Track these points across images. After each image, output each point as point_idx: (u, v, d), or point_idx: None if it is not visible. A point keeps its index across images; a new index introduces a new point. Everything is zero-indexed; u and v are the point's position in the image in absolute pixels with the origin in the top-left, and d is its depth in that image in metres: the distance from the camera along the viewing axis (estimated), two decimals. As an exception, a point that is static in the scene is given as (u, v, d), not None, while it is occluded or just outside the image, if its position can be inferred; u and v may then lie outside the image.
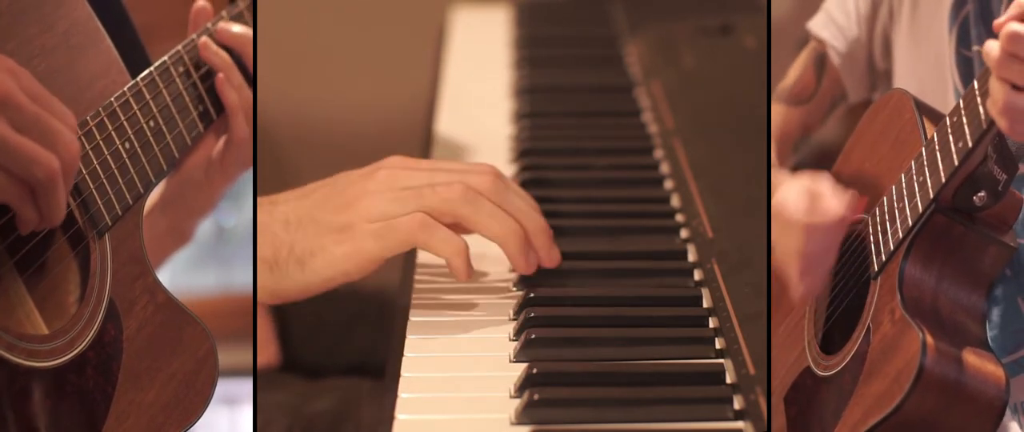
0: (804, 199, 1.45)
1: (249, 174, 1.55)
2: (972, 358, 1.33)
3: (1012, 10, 1.26)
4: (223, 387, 1.32)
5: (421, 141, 1.85)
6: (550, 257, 1.40)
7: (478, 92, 2.00)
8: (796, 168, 1.74)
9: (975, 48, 1.49)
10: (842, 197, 1.45)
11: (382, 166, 1.41)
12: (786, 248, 1.46)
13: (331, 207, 1.38)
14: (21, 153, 1.14)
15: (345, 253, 1.36)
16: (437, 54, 2.17)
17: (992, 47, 1.26)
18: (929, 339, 1.32)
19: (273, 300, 1.41)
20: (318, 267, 1.37)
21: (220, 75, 1.40)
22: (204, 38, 1.41)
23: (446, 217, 1.37)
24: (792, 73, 1.73)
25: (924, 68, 1.56)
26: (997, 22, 1.26)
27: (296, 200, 1.40)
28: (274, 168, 2.94)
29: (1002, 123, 1.28)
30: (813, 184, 1.47)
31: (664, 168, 1.68)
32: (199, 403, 1.30)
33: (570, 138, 1.78)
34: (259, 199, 1.41)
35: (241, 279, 3.16)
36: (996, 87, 1.27)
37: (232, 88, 1.41)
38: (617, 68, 2.03)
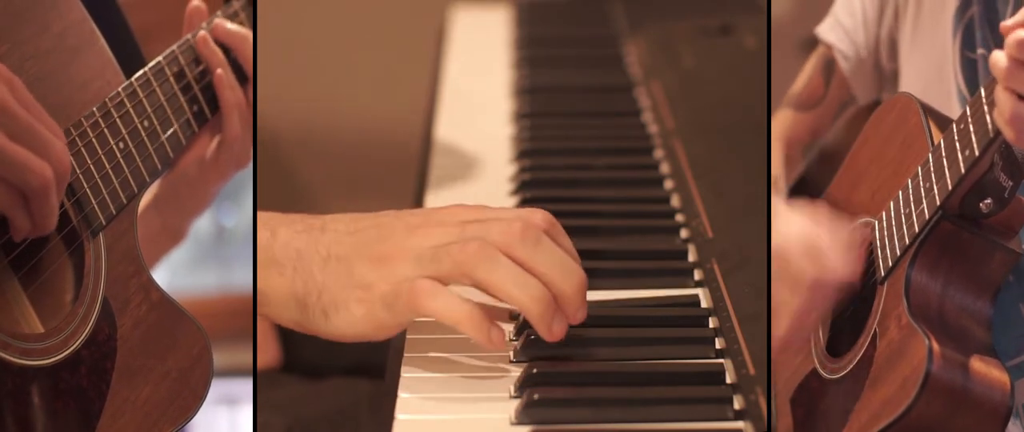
0: (806, 255, 1.44)
1: (249, 174, 1.55)
2: (978, 364, 1.33)
3: (1020, 16, 1.25)
4: (223, 387, 1.32)
5: (421, 141, 1.85)
6: (575, 317, 1.25)
7: (478, 92, 2.00)
8: (802, 174, 1.74)
9: (979, 51, 1.49)
10: (844, 257, 1.43)
11: (433, 216, 1.29)
12: (781, 296, 1.44)
13: (368, 255, 1.26)
14: (16, 162, 1.15)
15: (363, 316, 1.26)
16: (437, 54, 2.17)
17: (999, 57, 1.25)
18: (935, 345, 1.32)
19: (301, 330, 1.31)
20: (341, 324, 1.26)
21: (218, 71, 1.40)
22: (203, 33, 1.41)
23: (463, 281, 1.24)
24: (800, 79, 1.73)
25: (927, 70, 1.56)
26: (1004, 24, 1.26)
27: (344, 233, 1.28)
28: (274, 167, 2.94)
29: (1009, 133, 1.27)
30: (816, 236, 1.45)
31: (664, 168, 1.68)
32: (194, 401, 1.30)
33: (570, 138, 1.78)
34: (307, 219, 1.31)
35: (241, 279, 3.16)
36: (1003, 97, 1.26)
37: (227, 86, 1.41)
38: (617, 68, 2.03)
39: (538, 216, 1.27)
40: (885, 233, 1.43)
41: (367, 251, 1.26)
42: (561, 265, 1.24)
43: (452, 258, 1.23)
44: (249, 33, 1.45)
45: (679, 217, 1.55)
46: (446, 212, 1.29)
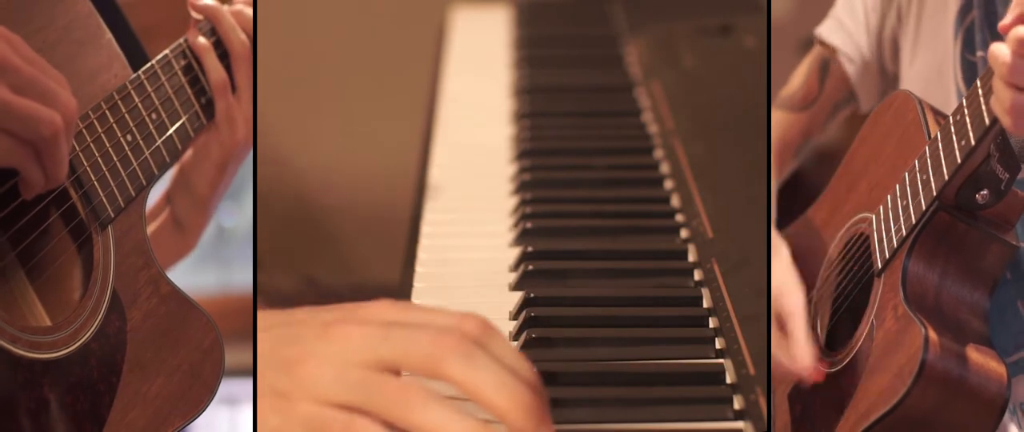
0: (776, 332, 1.46)
1: (249, 175, 1.54)
2: (974, 354, 1.34)
3: (1014, 9, 1.25)
4: (223, 387, 1.32)
5: (420, 142, 1.85)
6: None
7: (478, 92, 2.00)
8: (797, 174, 1.75)
9: (980, 53, 1.49)
10: (806, 354, 1.45)
11: (339, 320, 1.07)
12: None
13: (276, 360, 1.07)
14: (25, 113, 1.15)
15: (278, 427, 1.04)
16: (437, 54, 2.17)
17: (999, 50, 1.25)
18: (932, 334, 1.32)
19: None
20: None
21: (195, 15, 1.40)
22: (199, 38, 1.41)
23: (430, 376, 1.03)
24: (795, 79, 1.73)
25: (928, 71, 1.56)
26: (1002, 24, 1.26)
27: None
28: (274, 167, 2.94)
29: (1006, 121, 1.27)
30: (787, 319, 1.47)
31: (664, 168, 1.68)
32: (205, 394, 1.30)
33: (570, 138, 1.78)
34: None
35: (241, 279, 3.16)
36: (1001, 87, 1.26)
37: (199, 33, 1.40)
38: (617, 68, 2.03)
39: (471, 323, 1.03)
40: (882, 226, 1.44)
41: (275, 355, 1.07)
42: (507, 385, 1.02)
43: (389, 395, 1.02)
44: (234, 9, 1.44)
45: (679, 217, 1.54)
46: (352, 312, 1.07)
